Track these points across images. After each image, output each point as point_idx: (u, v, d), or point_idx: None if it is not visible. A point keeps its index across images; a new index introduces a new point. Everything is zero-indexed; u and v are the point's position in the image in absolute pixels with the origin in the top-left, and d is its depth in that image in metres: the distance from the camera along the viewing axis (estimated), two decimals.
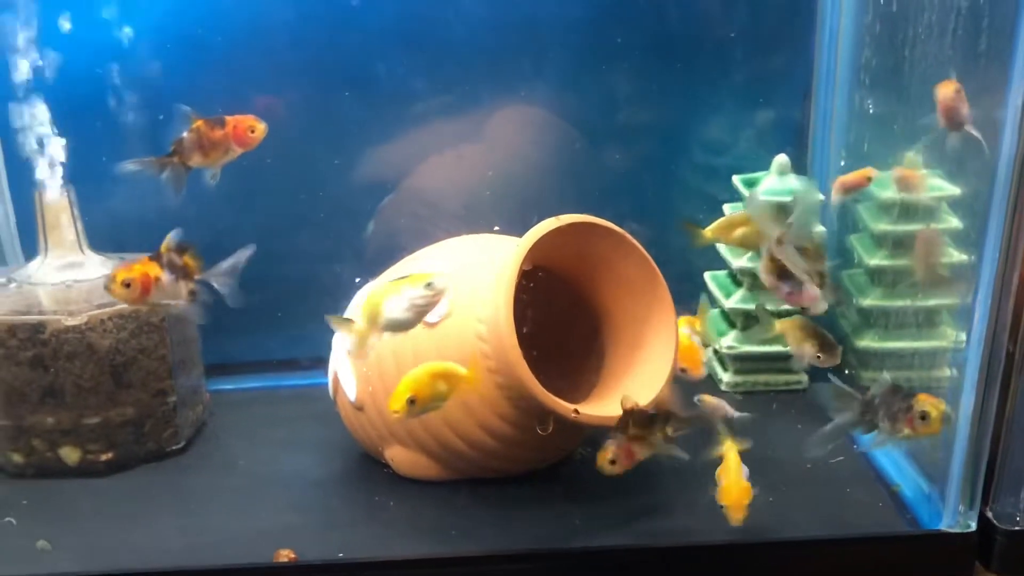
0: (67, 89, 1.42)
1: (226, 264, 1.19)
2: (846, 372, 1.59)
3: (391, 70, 1.62)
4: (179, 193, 1.22)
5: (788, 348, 1.54)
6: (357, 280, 1.42)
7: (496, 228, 1.43)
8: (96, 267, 1.44)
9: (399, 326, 1.11)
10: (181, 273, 1.15)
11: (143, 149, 1.60)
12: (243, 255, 1.20)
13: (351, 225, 1.68)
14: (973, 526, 1.23)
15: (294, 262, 1.68)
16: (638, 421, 1.16)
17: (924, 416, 1.12)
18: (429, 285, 1.10)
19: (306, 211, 1.67)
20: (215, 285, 1.17)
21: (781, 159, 1.55)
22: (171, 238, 1.16)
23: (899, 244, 1.48)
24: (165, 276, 1.13)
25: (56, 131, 1.40)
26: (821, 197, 1.55)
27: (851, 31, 1.53)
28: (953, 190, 1.40)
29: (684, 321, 1.34)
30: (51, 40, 1.42)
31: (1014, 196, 1.13)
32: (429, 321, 1.27)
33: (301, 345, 1.70)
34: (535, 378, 1.20)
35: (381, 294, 1.12)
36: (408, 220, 1.70)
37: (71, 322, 1.35)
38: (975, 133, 1.16)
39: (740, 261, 1.56)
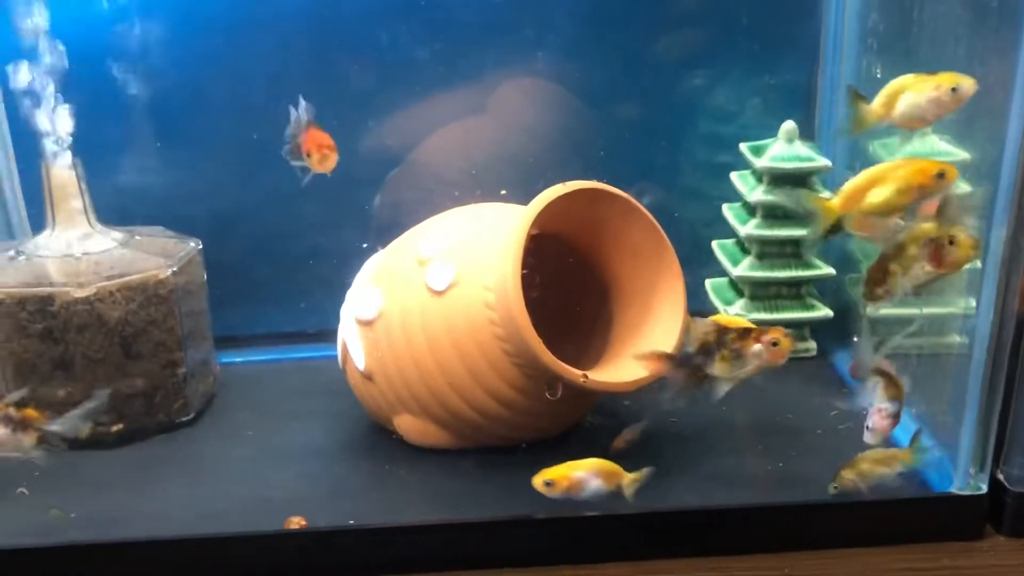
0: (72, 62, 1.42)
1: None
2: (855, 339, 1.59)
3: (396, 41, 1.62)
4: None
5: (797, 315, 1.57)
6: (365, 246, 1.41)
7: (503, 192, 1.42)
8: (104, 240, 1.44)
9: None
10: (20, 426, 1.18)
11: (147, 120, 1.61)
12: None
13: (358, 196, 1.68)
14: (984, 488, 1.23)
15: (302, 234, 1.68)
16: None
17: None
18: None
19: (313, 183, 1.67)
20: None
21: (788, 126, 1.54)
22: (9, 398, 1.21)
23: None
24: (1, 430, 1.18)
25: (63, 103, 1.39)
26: (829, 164, 1.54)
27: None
28: (963, 155, 1.39)
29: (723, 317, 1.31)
30: (56, 12, 1.42)
31: (1023, 165, 1.12)
32: (436, 289, 1.27)
33: (310, 317, 1.70)
34: (543, 345, 1.20)
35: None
36: (415, 192, 1.69)
37: (80, 294, 1.35)
38: None
39: (747, 228, 1.56)
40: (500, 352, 1.24)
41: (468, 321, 1.25)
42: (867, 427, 1.22)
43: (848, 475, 1.22)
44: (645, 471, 1.19)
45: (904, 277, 1.12)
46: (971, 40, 1.17)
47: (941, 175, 1.09)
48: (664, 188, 1.68)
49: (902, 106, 1.11)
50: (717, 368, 1.13)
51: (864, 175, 1.13)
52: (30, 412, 1.20)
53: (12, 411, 1.19)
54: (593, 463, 1.18)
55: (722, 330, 1.13)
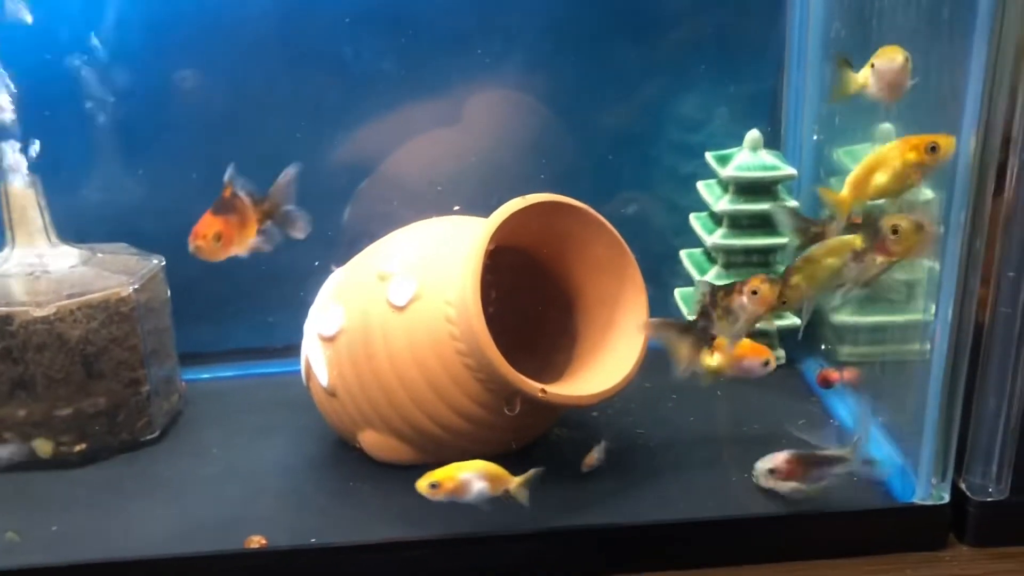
0: (27, 77, 1.41)
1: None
2: (823, 347, 1.59)
3: (361, 54, 1.61)
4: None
5: (765, 325, 1.57)
6: (332, 268, 1.41)
7: (456, 208, 1.42)
8: (64, 258, 1.43)
9: None
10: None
11: (108, 136, 1.60)
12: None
13: (323, 211, 1.67)
14: (946, 498, 1.23)
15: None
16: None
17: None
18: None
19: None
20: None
21: (753, 134, 1.54)
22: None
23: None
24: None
25: (19, 120, 1.38)
26: (794, 172, 1.54)
27: (821, 4, 1.52)
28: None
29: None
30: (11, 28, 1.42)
31: (976, 171, 1.13)
32: (397, 304, 1.27)
33: (276, 332, 1.69)
34: (503, 358, 1.19)
35: None
36: (384, 205, 1.69)
37: (39, 313, 1.34)
38: None
39: (714, 238, 1.56)
40: (462, 366, 1.23)
41: (430, 336, 1.25)
42: (769, 470, 1.23)
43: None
44: (531, 472, 1.18)
45: (813, 289, 1.16)
46: (926, 51, 1.17)
47: (934, 148, 1.12)
48: (631, 196, 1.69)
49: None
50: (719, 328, 1.15)
51: (864, 163, 1.17)
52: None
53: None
54: (479, 465, 1.17)
55: (713, 290, 1.16)
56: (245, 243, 1.21)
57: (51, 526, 1.28)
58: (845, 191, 1.18)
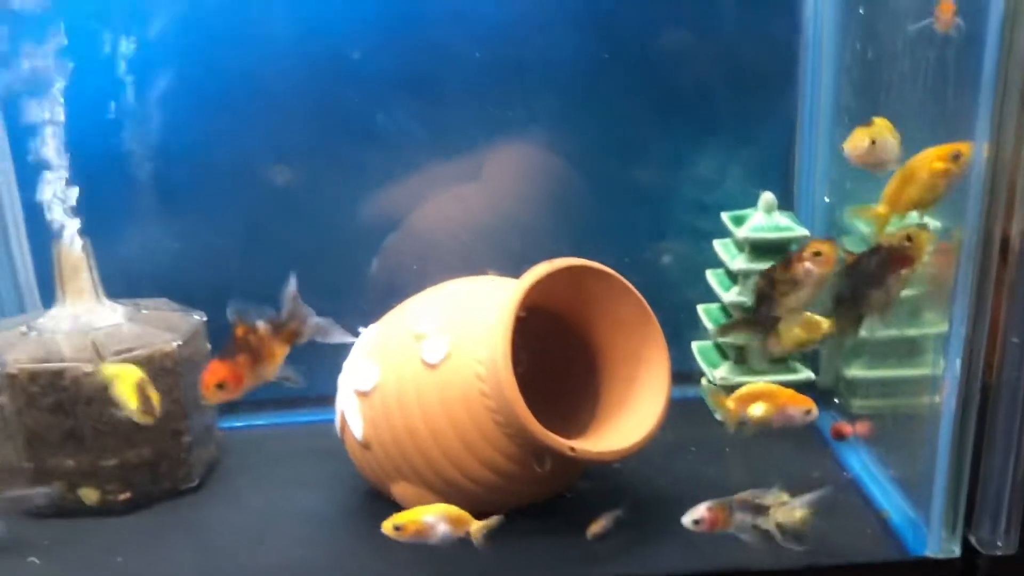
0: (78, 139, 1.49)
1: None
2: (835, 400, 1.65)
3: (391, 116, 1.69)
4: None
5: (780, 378, 1.63)
6: (360, 330, 1.47)
7: (489, 272, 1.48)
8: (112, 315, 1.50)
9: None
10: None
11: (152, 196, 1.68)
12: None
13: (356, 264, 1.75)
14: (957, 552, 1.28)
15: (303, 301, 1.74)
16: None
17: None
18: None
19: (312, 251, 1.73)
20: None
21: (767, 197, 1.61)
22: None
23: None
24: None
25: (72, 183, 1.46)
26: (807, 233, 1.61)
27: (831, 75, 1.59)
28: (936, 223, 1.46)
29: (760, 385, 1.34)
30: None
31: (983, 230, 1.19)
32: (430, 362, 1.33)
33: (310, 382, 1.75)
34: (533, 416, 1.26)
35: None
36: (410, 259, 1.76)
37: (90, 368, 1.41)
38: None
39: (730, 295, 1.62)
40: (491, 423, 1.30)
41: (461, 393, 1.31)
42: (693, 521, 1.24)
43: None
44: (494, 519, 1.24)
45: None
46: (932, 122, 1.24)
47: (956, 156, 1.17)
48: (649, 253, 1.75)
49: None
50: (785, 304, 1.17)
51: (896, 177, 1.22)
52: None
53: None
54: (441, 508, 1.22)
55: (769, 271, 1.18)
56: (268, 374, 1.16)
57: (99, 573, 1.34)
58: (881, 206, 1.23)
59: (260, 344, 1.14)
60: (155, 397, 1.29)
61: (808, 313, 1.36)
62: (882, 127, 1.21)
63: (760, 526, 1.23)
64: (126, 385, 1.27)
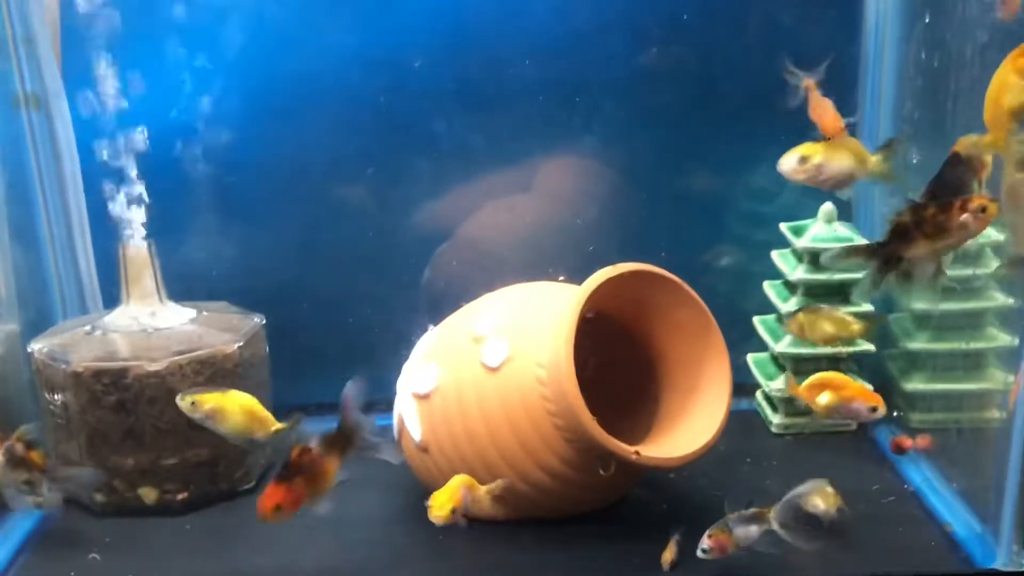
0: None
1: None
2: (895, 414, 1.63)
3: (451, 124, 1.70)
4: None
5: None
6: (430, 327, 1.47)
7: (552, 271, 1.49)
8: (174, 316, 1.52)
9: None
10: (19, 463, 1.29)
11: (214, 202, 1.71)
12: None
13: (410, 269, 1.76)
14: None
15: (358, 307, 1.76)
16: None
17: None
18: None
19: (369, 256, 1.75)
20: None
21: (827, 207, 1.60)
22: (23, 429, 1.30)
23: (944, 290, 1.52)
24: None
25: (142, 188, 1.49)
26: (867, 243, 1.59)
27: (893, 85, 1.59)
28: (998, 237, 1.45)
29: (833, 375, 1.34)
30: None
31: None
32: (490, 365, 1.33)
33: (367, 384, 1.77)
34: (595, 421, 1.25)
35: None
36: (462, 267, 1.77)
37: (152, 368, 1.42)
38: None
39: (788, 306, 1.61)
40: (552, 427, 1.29)
41: (521, 397, 1.31)
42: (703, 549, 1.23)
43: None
44: (499, 482, 1.27)
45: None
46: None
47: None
48: (707, 265, 1.75)
49: None
50: (918, 248, 1.09)
51: (988, 98, 1.14)
52: (34, 455, 1.30)
53: (19, 447, 1.28)
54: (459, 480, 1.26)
55: (918, 207, 1.09)
56: (322, 489, 1.18)
57: (158, 571, 1.35)
58: (991, 134, 1.14)
59: (314, 464, 1.18)
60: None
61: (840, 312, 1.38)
62: (821, 147, 1.21)
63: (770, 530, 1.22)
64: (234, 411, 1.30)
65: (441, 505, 1.23)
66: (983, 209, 1.07)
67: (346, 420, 1.21)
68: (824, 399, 1.30)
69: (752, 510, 1.23)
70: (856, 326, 1.41)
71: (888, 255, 1.11)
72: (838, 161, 1.20)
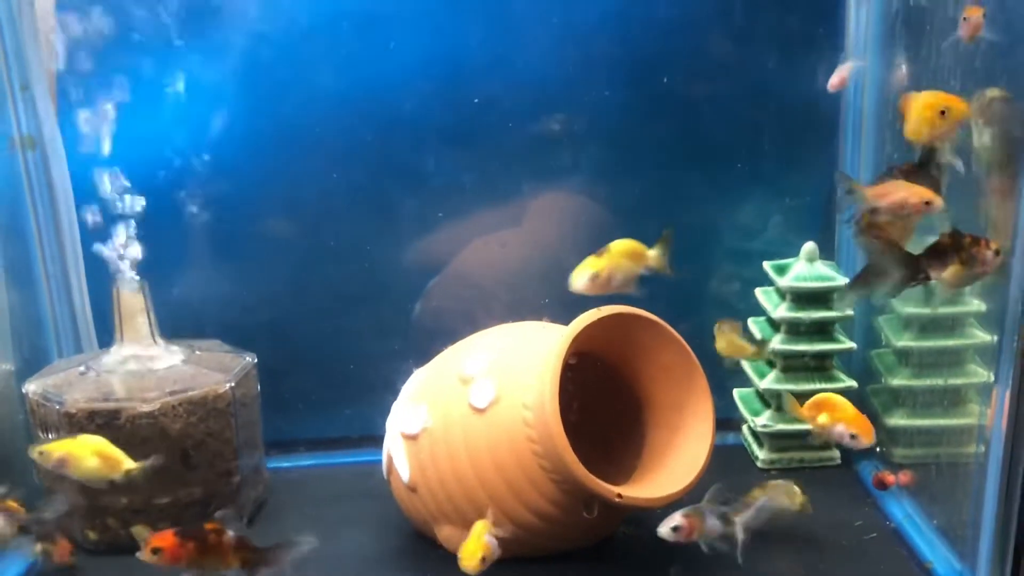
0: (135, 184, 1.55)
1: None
2: (877, 449, 1.65)
3: (439, 165, 1.73)
4: None
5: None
6: (416, 371, 1.50)
7: (545, 318, 1.51)
8: (167, 356, 1.54)
9: None
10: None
11: (206, 240, 1.73)
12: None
13: (401, 306, 1.79)
14: None
15: (346, 343, 1.78)
16: None
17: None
18: None
19: (359, 294, 1.78)
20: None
21: (809, 246, 1.63)
22: None
23: (926, 327, 1.55)
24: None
25: (135, 229, 1.51)
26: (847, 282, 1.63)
27: (873, 126, 1.62)
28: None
29: (831, 396, 1.39)
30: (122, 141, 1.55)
31: None
32: (478, 407, 1.36)
33: (355, 423, 1.79)
34: (579, 462, 1.27)
35: None
36: (453, 301, 1.80)
37: (145, 408, 1.44)
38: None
39: (772, 343, 1.63)
40: (538, 468, 1.31)
41: (508, 438, 1.33)
42: (672, 528, 1.27)
43: None
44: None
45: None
46: (976, 180, 1.26)
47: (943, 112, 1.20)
48: (692, 301, 1.77)
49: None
50: (948, 273, 1.18)
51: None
52: (10, 503, 1.33)
53: None
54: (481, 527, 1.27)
55: (958, 235, 1.18)
56: (209, 567, 1.20)
57: None
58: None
59: (216, 545, 1.21)
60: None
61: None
62: (603, 260, 1.30)
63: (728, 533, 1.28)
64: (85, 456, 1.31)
65: (471, 555, 1.24)
66: (997, 252, 1.17)
67: (275, 550, 1.24)
68: (822, 419, 1.35)
69: (725, 509, 1.29)
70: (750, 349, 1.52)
71: (920, 268, 1.20)
72: (622, 267, 1.32)
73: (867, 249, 1.29)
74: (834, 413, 1.37)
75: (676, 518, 1.26)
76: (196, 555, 1.19)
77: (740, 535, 1.29)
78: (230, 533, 1.21)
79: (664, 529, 1.26)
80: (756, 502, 1.33)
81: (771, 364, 1.68)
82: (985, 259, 1.18)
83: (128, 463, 1.32)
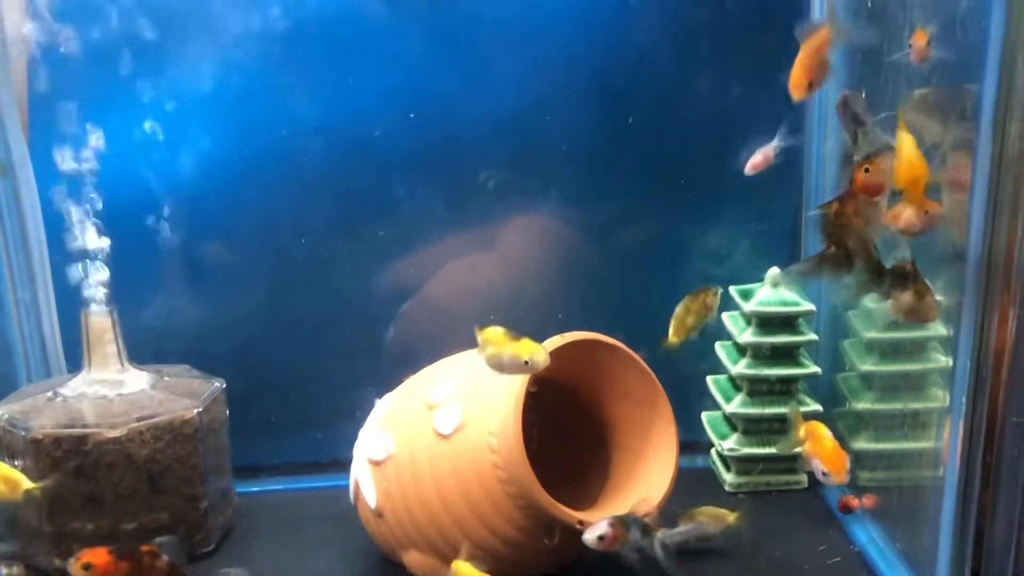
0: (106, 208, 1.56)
1: None
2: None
3: (412, 190, 1.75)
4: None
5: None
6: (383, 397, 1.51)
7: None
8: (135, 381, 1.55)
9: None
10: None
11: (177, 265, 1.74)
12: None
13: (371, 332, 1.79)
14: None
15: (315, 368, 1.79)
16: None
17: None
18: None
19: (331, 320, 1.78)
20: None
21: (773, 272, 1.65)
22: None
23: (889, 351, 1.57)
24: None
25: (105, 255, 1.52)
26: (813, 308, 1.65)
27: (836, 155, 1.64)
28: (937, 297, 1.49)
29: (819, 426, 1.36)
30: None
31: (982, 300, 1.22)
32: (443, 433, 1.37)
33: (324, 448, 1.80)
34: (543, 489, 1.28)
35: None
36: (425, 325, 1.81)
37: (112, 434, 1.45)
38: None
39: (738, 368, 1.65)
40: (503, 494, 1.32)
41: (473, 464, 1.34)
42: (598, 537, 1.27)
43: None
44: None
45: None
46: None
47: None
48: (659, 325, 1.79)
49: None
50: (902, 300, 1.22)
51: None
52: None
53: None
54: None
55: (916, 270, 1.21)
56: None
57: None
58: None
59: (149, 569, 1.22)
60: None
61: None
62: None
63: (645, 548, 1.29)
64: None
65: None
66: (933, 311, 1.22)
67: None
68: (803, 448, 1.35)
69: (647, 521, 1.31)
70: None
71: (883, 281, 1.23)
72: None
73: (832, 238, 1.25)
74: (815, 445, 1.36)
75: (602, 527, 1.26)
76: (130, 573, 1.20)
77: (659, 551, 1.30)
78: (164, 558, 1.22)
79: (590, 537, 1.26)
80: (681, 526, 1.38)
81: (737, 387, 1.69)
82: (927, 312, 1.22)
83: (27, 483, 1.32)
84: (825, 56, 1.25)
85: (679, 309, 1.48)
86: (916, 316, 1.24)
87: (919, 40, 1.24)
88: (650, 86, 1.73)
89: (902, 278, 1.24)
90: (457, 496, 1.34)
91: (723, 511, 1.48)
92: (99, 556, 1.20)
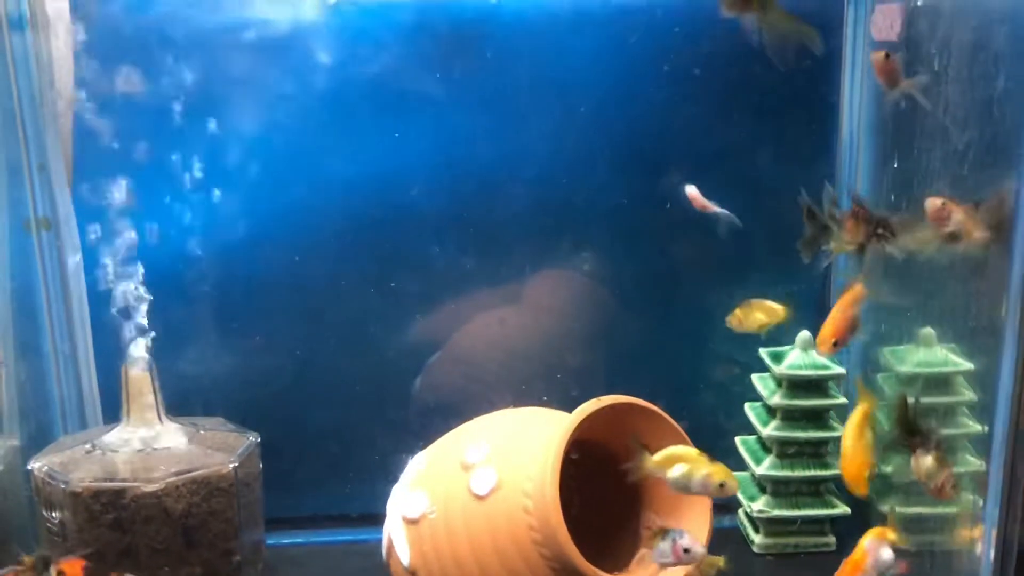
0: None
1: None
2: None
3: (444, 246, 1.77)
4: None
5: (817, 512, 1.65)
6: (417, 455, 1.52)
7: (544, 399, 1.54)
8: (172, 435, 1.57)
9: None
10: None
11: (213, 318, 1.76)
12: None
13: (401, 385, 1.81)
14: None
15: (348, 421, 1.80)
16: None
17: None
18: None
19: (361, 373, 1.80)
20: None
21: (804, 335, 1.67)
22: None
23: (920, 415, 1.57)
24: None
25: (144, 311, 1.55)
26: (843, 371, 1.66)
27: None
28: (967, 365, 1.51)
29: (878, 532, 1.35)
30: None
31: (1021, 368, 1.23)
32: (479, 494, 1.38)
33: (355, 501, 1.81)
34: (579, 553, 1.29)
35: None
36: (452, 378, 1.83)
37: (149, 488, 1.46)
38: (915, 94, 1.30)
39: (768, 430, 1.66)
40: (538, 556, 1.33)
41: (509, 525, 1.35)
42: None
43: None
44: None
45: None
46: (964, 278, 1.30)
47: None
48: (689, 386, 1.81)
49: None
50: None
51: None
52: None
53: None
54: None
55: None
56: None
57: None
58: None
59: None
60: None
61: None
62: None
63: None
64: None
65: None
66: None
67: None
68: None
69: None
70: (781, 310, 1.57)
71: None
72: None
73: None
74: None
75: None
76: None
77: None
78: None
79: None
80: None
81: (767, 449, 1.70)
82: (943, 485, 1.27)
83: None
84: (856, 315, 1.28)
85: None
86: (933, 485, 1.27)
87: (878, 58, 1.29)
88: (680, 149, 1.76)
89: (927, 442, 1.28)
90: (492, 556, 1.35)
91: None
92: (74, 568, 1.26)
